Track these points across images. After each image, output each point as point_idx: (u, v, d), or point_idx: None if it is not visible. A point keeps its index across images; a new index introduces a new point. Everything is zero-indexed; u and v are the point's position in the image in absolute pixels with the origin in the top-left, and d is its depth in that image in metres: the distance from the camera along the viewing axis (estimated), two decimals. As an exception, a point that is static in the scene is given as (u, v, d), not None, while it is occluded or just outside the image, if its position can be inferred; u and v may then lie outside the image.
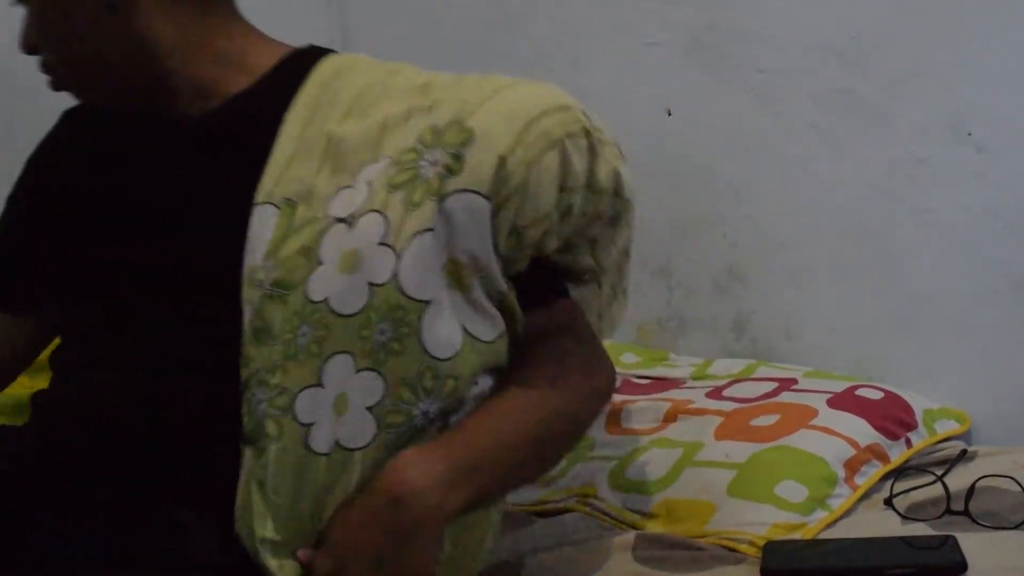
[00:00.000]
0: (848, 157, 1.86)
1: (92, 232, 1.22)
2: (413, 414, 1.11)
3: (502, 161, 1.13)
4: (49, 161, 1.31)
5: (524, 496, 1.60)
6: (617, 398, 1.77)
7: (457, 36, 2.18)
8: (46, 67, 1.24)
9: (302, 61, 1.25)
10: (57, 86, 1.25)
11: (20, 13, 1.25)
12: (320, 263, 1.11)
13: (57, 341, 1.29)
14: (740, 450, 1.55)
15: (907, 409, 1.69)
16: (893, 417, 1.66)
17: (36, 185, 1.31)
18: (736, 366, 1.88)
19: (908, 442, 1.64)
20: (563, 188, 1.18)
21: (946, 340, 1.82)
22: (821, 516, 1.46)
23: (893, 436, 1.63)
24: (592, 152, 1.20)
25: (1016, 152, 1.74)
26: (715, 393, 1.75)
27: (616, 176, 1.24)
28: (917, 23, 1.79)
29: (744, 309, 1.98)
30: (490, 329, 1.16)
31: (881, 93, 1.82)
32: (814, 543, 1.40)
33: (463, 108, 1.15)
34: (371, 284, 1.10)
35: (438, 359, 1.11)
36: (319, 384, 1.10)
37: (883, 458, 1.59)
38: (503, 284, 1.17)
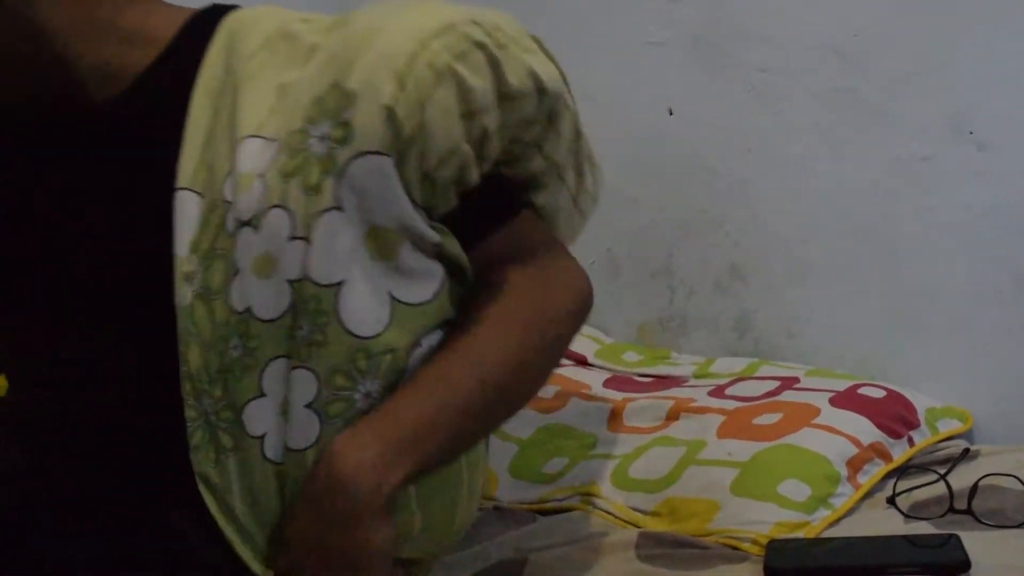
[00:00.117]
0: (849, 156, 1.86)
1: (8, 243, 1.16)
2: (354, 399, 1.07)
3: (390, 112, 1.05)
4: None
5: (526, 495, 1.61)
6: (619, 396, 1.77)
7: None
8: None
9: (204, 24, 1.16)
10: None
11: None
12: (237, 271, 1.07)
13: None
14: (743, 449, 1.55)
15: (909, 408, 1.69)
16: (895, 416, 1.66)
17: None
18: (738, 365, 1.88)
19: (910, 441, 1.64)
20: (467, 115, 1.08)
21: (948, 339, 1.82)
22: (824, 515, 1.46)
23: (896, 435, 1.63)
24: (493, 63, 1.09)
25: (1018, 150, 1.75)
26: (717, 392, 1.75)
27: (532, 75, 1.13)
28: (918, 22, 1.79)
29: (746, 308, 1.98)
30: (426, 288, 1.10)
31: (882, 92, 1.82)
32: (817, 541, 1.40)
33: (342, 69, 1.07)
34: (288, 282, 1.06)
35: (365, 338, 1.07)
36: (261, 394, 1.07)
37: (886, 457, 1.59)
38: (434, 235, 1.10)
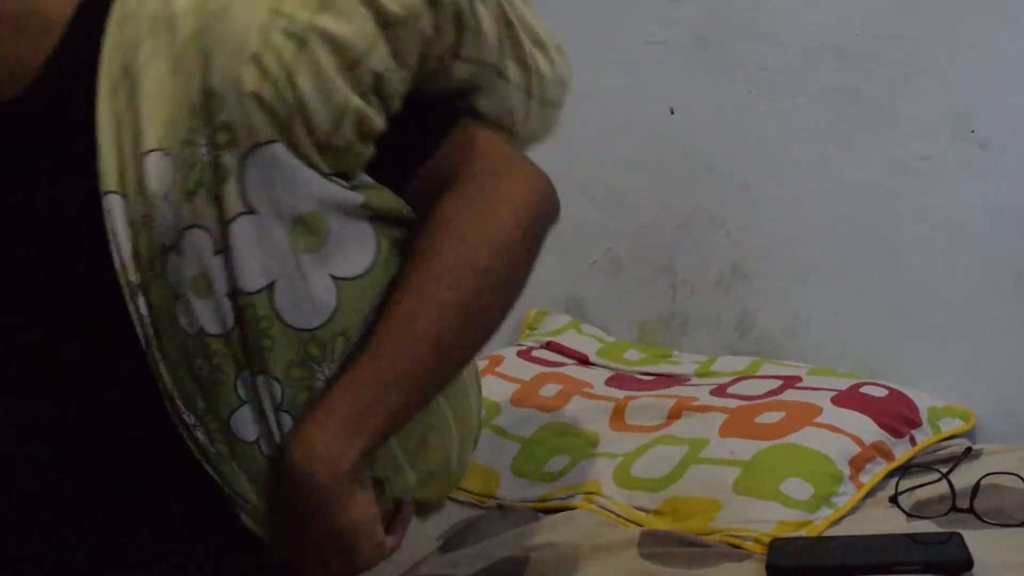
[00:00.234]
0: (851, 155, 1.86)
1: None
2: (315, 386, 1.06)
3: (258, 98, 0.99)
4: None
5: (528, 493, 1.61)
6: (621, 395, 1.77)
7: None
8: None
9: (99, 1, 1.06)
10: None
11: None
12: (177, 296, 1.04)
13: None
14: (745, 447, 1.55)
15: (911, 407, 1.69)
16: (898, 415, 1.65)
17: None
18: (740, 363, 1.88)
19: (912, 440, 1.64)
20: (348, 67, 1.01)
21: (950, 337, 1.81)
22: (826, 513, 1.46)
23: (898, 434, 1.63)
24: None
25: (1019, 149, 1.74)
26: (719, 390, 1.75)
27: None
28: (919, 21, 1.79)
29: (747, 307, 1.98)
30: (365, 253, 1.06)
31: (884, 91, 1.82)
32: (819, 540, 1.40)
33: (206, 66, 1.00)
34: (226, 296, 1.04)
35: (312, 329, 1.04)
36: (241, 403, 1.06)
37: (888, 456, 1.58)
38: (357, 196, 1.04)
